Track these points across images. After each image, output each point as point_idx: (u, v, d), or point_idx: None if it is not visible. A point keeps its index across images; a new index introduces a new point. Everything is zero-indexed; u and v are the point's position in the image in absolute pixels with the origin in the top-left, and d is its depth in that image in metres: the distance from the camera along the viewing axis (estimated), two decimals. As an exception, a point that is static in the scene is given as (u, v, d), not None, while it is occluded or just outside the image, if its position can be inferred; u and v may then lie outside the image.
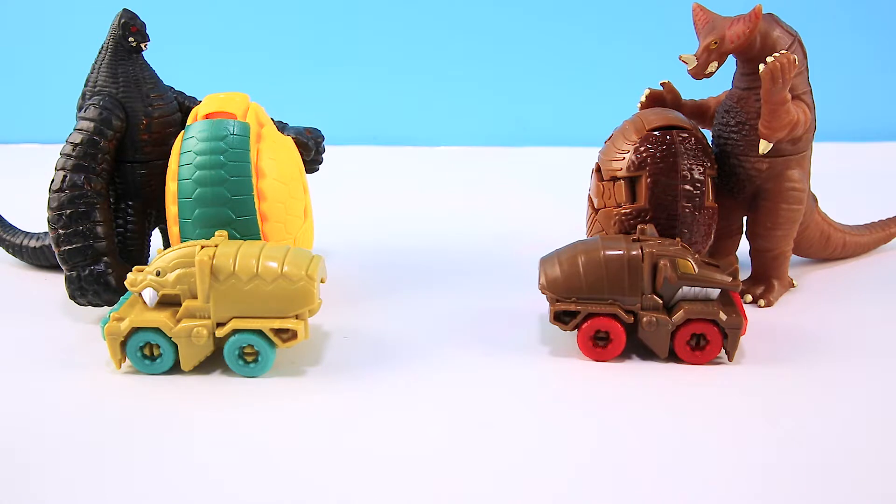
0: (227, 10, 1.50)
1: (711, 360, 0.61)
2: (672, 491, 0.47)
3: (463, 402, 0.56)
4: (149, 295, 0.60)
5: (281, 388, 0.58)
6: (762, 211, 0.72)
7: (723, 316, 0.60)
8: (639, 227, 0.64)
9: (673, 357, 0.61)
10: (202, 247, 0.60)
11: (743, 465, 0.49)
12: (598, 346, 0.62)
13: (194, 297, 0.59)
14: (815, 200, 0.79)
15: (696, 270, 0.60)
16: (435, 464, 0.49)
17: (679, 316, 0.60)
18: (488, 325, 0.68)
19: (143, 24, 0.73)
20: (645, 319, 0.60)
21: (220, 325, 0.60)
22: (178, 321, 0.59)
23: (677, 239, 0.64)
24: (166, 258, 0.60)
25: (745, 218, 0.75)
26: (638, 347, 0.63)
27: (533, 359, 0.63)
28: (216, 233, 0.63)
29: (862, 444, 0.51)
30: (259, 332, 0.60)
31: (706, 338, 0.60)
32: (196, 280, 0.59)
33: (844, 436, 0.52)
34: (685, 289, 0.60)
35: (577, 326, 0.62)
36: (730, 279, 0.61)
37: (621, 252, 0.61)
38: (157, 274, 0.59)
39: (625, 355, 0.63)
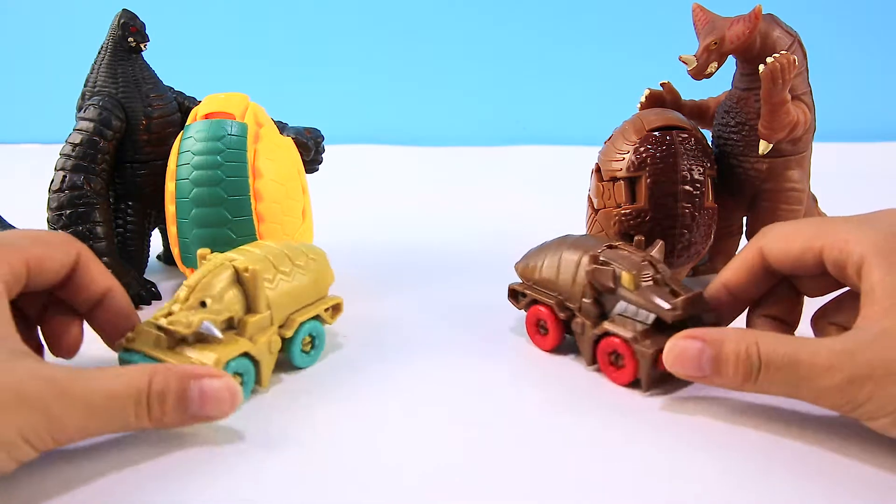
0: (228, 10, 1.50)
1: (631, 383, 0.57)
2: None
3: (462, 399, 0.56)
4: (211, 328, 0.54)
5: (281, 389, 0.58)
6: (762, 211, 0.72)
7: (633, 337, 0.56)
8: (636, 238, 0.62)
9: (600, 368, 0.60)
10: (230, 261, 0.57)
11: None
12: (539, 333, 0.64)
13: (248, 312, 0.56)
14: (815, 201, 0.79)
15: (635, 288, 0.57)
16: (435, 464, 0.49)
17: (599, 327, 0.59)
18: (488, 324, 0.69)
19: (143, 25, 0.73)
20: (574, 321, 0.61)
21: (280, 328, 0.59)
22: (251, 339, 0.56)
23: (652, 253, 0.61)
24: (203, 289, 0.55)
25: (745, 218, 0.75)
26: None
27: (533, 357, 0.63)
28: (198, 252, 0.59)
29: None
30: (316, 317, 0.61)
31: (622, 357, 0.58)
32: (251, 294, 0.56)
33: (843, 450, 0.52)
34: (623, 304, 0.58)
35: (526, 308, 0.65)
36: (666, 307, 0.55)
37: (578, 255, 0.62)
38: (204, 304, 0.54)
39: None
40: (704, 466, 0.48)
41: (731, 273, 0.58)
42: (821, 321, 0.57)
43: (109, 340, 0.58)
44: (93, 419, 0.46)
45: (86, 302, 0.56)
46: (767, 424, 0.53)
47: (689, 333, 0.53)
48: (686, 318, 0.56)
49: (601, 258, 0.59)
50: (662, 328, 0.56)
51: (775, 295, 0.58)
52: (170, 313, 0.54)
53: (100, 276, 0.56)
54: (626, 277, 0.57)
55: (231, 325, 0.56)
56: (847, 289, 0.56)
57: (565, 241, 0.65)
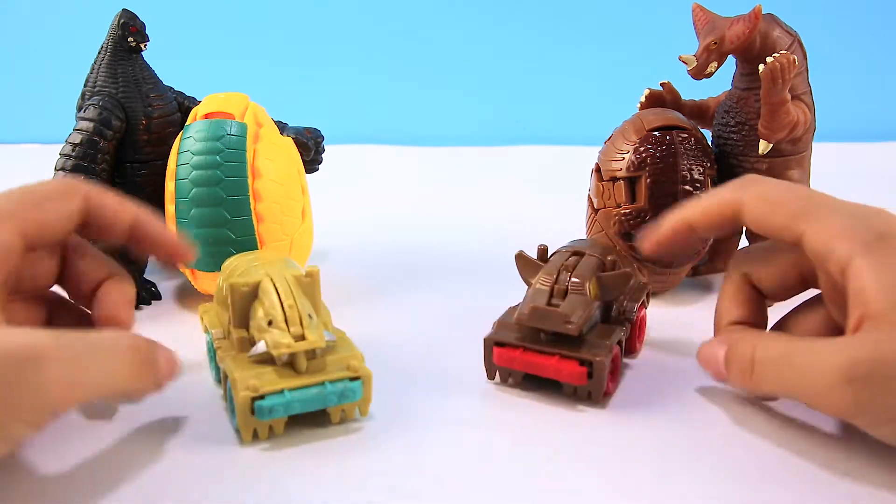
0: (228, 10, 1.50)
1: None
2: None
3: (462, 400, 0.56)
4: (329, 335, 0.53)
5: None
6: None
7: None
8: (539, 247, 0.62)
9: None
10: (269, 277, 0.53)
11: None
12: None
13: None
14: (815, 200, 0.79)
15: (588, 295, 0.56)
16: (436, 468, 0.49)
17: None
18: (488, 324, 0.68)
19: (143, 25, 0.73)
20: None
21: None
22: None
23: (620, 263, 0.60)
24: (268, 307, 0.51)
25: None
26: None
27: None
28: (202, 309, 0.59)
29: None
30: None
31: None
32: (314, 301, 0.54)
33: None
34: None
35: None
36: (566, 322, 0.53)
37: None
38: (271, 324, 0.51)
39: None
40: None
41: (699, 216, 0.55)
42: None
43: (159, 262, 0.57)
44: (82, 376, 0.44)
45: (117, 238, 0.54)
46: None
47: (716, 339, 0.54)
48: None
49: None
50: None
51: (740, 299, 0.57)
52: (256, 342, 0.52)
53: (120, 212, 0.53)
54: (593, 287, 0.57)
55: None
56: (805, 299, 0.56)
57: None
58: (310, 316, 0.51)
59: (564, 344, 0.55)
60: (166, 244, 0.55)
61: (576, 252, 0.59)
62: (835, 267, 0.48)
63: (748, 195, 0.53)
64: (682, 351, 0.63)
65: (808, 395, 0.47)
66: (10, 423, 0.41)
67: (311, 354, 0.51)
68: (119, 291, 0.54)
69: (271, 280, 0.53)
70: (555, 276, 0.57)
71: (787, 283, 0.55)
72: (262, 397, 0.49)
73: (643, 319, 0.63)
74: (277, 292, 0.52)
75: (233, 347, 0.53)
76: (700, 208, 0.55)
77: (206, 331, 0.59)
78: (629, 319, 0.59)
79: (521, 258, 0.61)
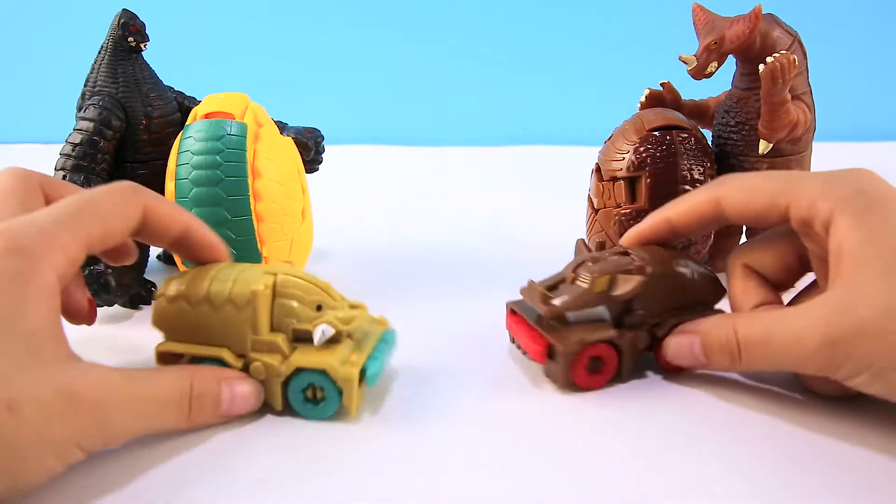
0: (228, 10, 1.50)
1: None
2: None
3: (462, 400, 0.56)
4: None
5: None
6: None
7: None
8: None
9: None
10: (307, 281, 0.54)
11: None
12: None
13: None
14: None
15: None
16: (437, 469, 0.49)
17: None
18: (488, 324, 0.68)
19: (143, 24, 0.73)
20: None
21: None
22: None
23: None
24: (304, 294, 0.53)
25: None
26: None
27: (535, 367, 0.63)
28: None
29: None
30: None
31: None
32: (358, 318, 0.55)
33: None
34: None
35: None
36: (543, 301, 0.56)
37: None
38: (320, 308, 0.53)
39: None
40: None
41: (679, 214, 0.58)
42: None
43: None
44: (140, 421, 0.46)
45: (162, 243, 0.56)
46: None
47: (679, 329, 0.56)
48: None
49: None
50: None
51: (750, 287, 0.58)
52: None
53: (172, 223, 0.54)
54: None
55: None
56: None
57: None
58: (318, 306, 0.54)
59: (549, 325, 0.57)
60: (213, 249, 0.57)
61: (624, 252, 0.60)
62: (820, 228, 0.50)
63: (725, 190, 0.56)
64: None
65: (793, 364, 0.49)
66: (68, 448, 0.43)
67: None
68: (205, 232, 0.57)
69: (274, 274, 0.53)
70: (577, 265, 0.59)
71: (787, 266, 0.57)
72: (362, 370, 0.53)
73: None
74: (299, 279, 0.53)
75: (277, 350, 0.53)
76: (679, 206, 0.58)
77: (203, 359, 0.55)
78: (641, 327, 0.57)
79: (579, 245, 0.64)
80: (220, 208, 0.66)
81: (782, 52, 0.65)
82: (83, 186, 0.69)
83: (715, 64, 0.69)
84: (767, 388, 0.57)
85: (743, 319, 0.52)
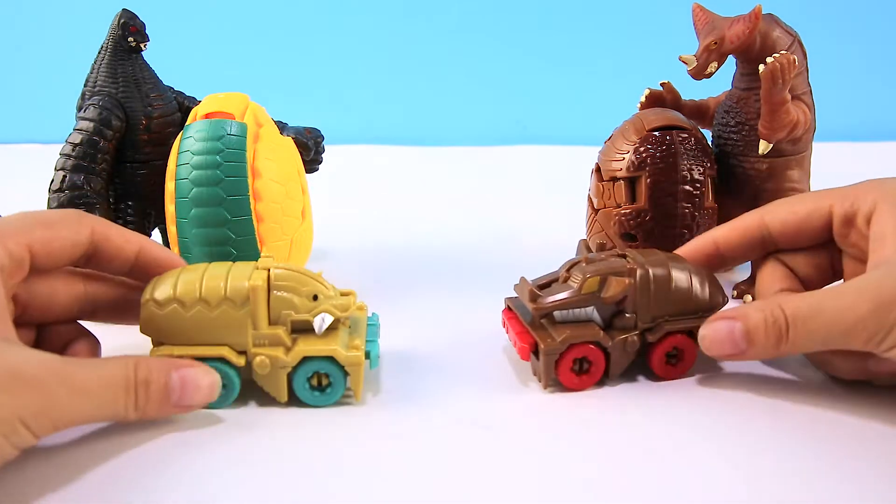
0: (227, 10, 1.50)
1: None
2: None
3: (462, 400, 0.56)
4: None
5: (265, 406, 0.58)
6: (762, 211, 0.72)
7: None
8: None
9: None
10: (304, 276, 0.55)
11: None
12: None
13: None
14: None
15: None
16: (436, 469, 0.49)
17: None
18: (488, 324, 0.69)
19: (143, 24, 0.73)
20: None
21: None
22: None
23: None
24: (300, 286, 0.54)
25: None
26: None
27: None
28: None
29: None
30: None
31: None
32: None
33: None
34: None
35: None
36: (531, 299, 0.57)
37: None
38: (317, 298, 0.55)
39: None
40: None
41: (726, 233, 0.60)
42: None
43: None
44: (87, 403, 0.46)
45: (121, 269, 0.56)
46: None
47: (715, 316, 0.54)
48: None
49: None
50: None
51: (778, 275, 0.60)
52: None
53: (125, 243, 0.55)
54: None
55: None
56: None
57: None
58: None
59: (537, 323, 0.58)
60: (172, 264, 0.57)
61: (622, 254, 0.59)
62: (863, 220, 0.54)
63: (769, 208, 0.59)
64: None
65: (841, 335, 0.49)
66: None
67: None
68: (159, 248, 0.57)
69: (266, 269, 0.54)
70: (572, 264, 0.59)
71: (818, 265, 0.59)
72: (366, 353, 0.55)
73: (685, 350, 0.58)
74: (293, 271, 0.54)
75: (280, 342, 0.53)
76: (725, 230, 0.60)
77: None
78: (632, 331, 0.57)
79: (581, 246, 0.64)
80: (220, 208, 0.66)
81: (782, 52, 0.65)
82: (83, 186, 0.69)
83: (715, 64, 0.69)
84: (756, 396, 0.57)
85: (787, 297, 0.52)
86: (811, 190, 0.75)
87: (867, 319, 0.48)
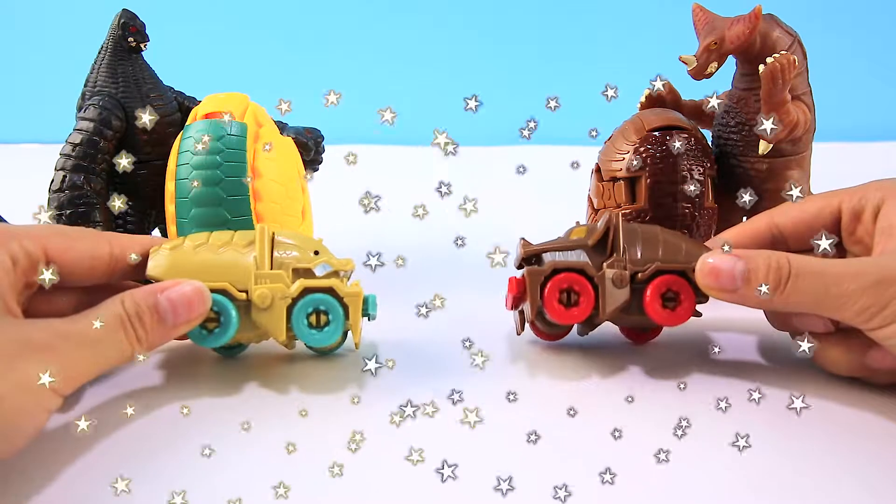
0: (227, 9, 1.50)
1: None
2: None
3: (461, 398, 0.56)
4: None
5: (278, 394, 0.58)
6: (762, 211, 0.72)
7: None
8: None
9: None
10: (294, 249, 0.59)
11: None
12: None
13: None
14: (815, 201, 0.79)
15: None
16: (436, 466, 0.49)
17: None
18: (488, 324, 0.69)
19: (143, 25, 0.73)
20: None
21: None
22: None
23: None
24: (302, 244, 0.59)
25: (744, 218, 0.75)
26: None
27: (533, 358, 0.63)
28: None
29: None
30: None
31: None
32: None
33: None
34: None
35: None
36: (522, 245, 0.63)
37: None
38: (318, 253, 0.60)
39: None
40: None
41: (735, 235, 0.62)
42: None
43: None
44: (93, 352, 0.48)
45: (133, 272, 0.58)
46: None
47: (723, 253, 0.56)
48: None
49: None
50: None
51: (748, 233, 0.63)
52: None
53: (131, 243, 0.57)
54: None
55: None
56: None
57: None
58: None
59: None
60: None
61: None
62: (870, 214, 0.56)
63: (777, 211, 0.62)
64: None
65: (836, 300, 0.50)
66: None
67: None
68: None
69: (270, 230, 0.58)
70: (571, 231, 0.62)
71: (815, 220, 0.60)
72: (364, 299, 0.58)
73: (682, 293, 0.57)
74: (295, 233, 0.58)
75: (281, 282, 0.56)
76: (735, 232, 0.63)
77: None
78: (621, 264, 0.58)
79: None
80: (220, 208, 0.66)
81: (782, 52, 0.65)
82: (83, 186, 0.69)
83: (715, 64, 0.69)
84: (755, 393, 0.57)
85: (795, 255, 0.53)
86: (811, 190, 0.75)
87: (865, 290, 0.50)
